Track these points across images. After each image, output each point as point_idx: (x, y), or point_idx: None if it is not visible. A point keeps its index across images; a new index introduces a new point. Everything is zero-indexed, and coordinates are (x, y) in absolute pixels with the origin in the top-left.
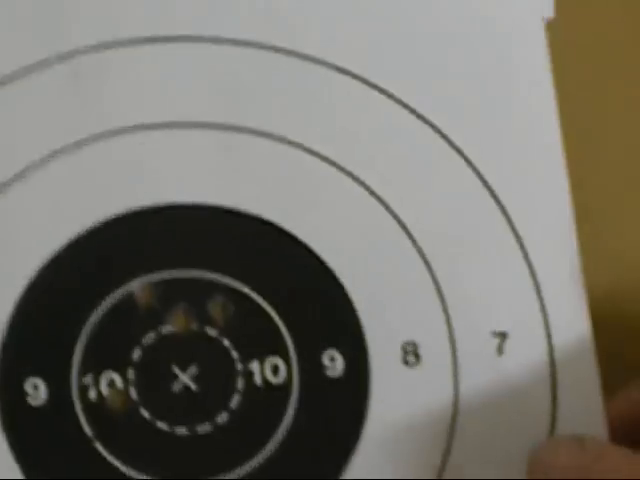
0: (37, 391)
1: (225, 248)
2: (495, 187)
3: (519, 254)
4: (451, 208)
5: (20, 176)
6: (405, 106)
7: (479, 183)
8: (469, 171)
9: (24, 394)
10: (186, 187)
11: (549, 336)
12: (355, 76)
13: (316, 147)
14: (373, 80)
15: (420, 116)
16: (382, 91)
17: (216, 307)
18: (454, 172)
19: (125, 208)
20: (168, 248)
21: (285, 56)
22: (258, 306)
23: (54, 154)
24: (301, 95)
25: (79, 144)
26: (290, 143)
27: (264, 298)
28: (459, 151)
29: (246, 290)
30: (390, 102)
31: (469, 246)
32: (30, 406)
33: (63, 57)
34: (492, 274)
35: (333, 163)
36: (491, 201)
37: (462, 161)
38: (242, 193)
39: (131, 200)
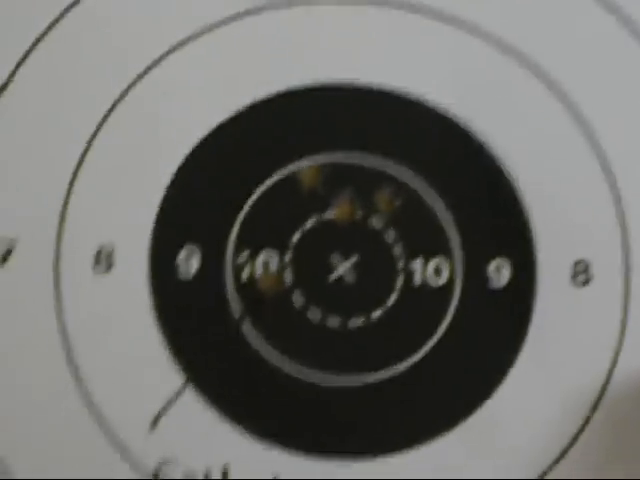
0: (190, 262)
1: (400, 136)
2: None
3: None
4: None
5: (193, 38)
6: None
7: None
8: None
9: (176, 264)
10: (370, 67)
11: None
12: None
13: (504, 40)
14: None
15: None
16: None
17: (384, 197)
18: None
19: (301, 83)
20: (340, 130)
21: None
22: (427, 202)
23: (225, 20)
24: None
25: (251, 12)
26: (478, 33)
27: (434, 194)
28: None
29: (417, 183)
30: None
31: None
32: (181, 276)
33: None
34: None
35: (520, 56)
36: None
37: None
38: (425, 81)
39: (309, 75)
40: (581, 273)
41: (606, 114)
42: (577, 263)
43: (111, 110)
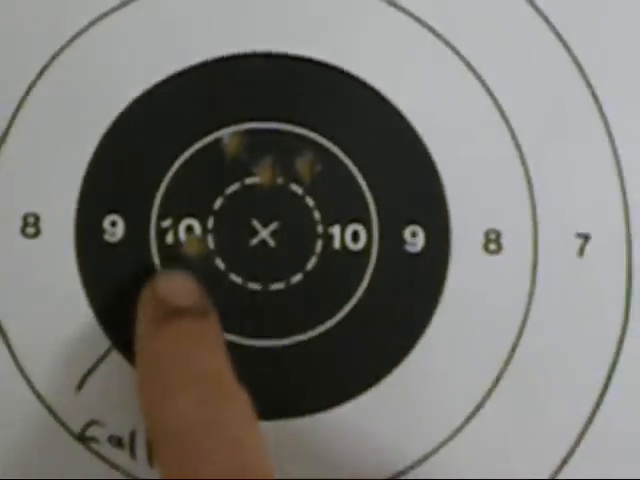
0: (115, 228)
1: (320, 104)
2: (594, 82)
3: (610, 156)
4: (548, 93)
5: (124, 4)
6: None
7: (579, 75)
8: (568, 58)
9: (102, 230)
10: (291, 36)
11: (630, 243)
12: None
13: (423, 17)
14: None
15: (531, 2)
16: None
17: (304, 164)
18: (551, 54)
19: (224, 52)
20: (261, 99)
21: None
22: (346, 169)
23: None
24: None
25: None
26: (399, 7)
27: (353, 161)
28: (559, 35)
29: (335, 150)
30: None
31: (562, 138)
32: (106, 242)
33: None
34: (582, 172)
35: (437, 34)
36: (589, 94)
37: (561, 46)
38: (346, 51)
39: (230, 44)
40: (492, 242)
41: (517, 93)
42: (489, 232)
43: (36, 80)
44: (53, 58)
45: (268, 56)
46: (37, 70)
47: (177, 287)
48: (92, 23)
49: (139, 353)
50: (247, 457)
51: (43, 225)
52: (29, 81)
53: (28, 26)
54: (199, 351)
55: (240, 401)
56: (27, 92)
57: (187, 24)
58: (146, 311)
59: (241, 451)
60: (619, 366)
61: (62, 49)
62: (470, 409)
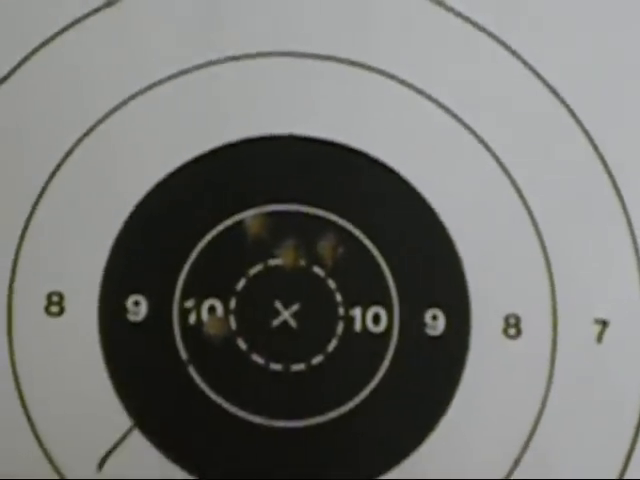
0: (138, 308)
1: (342, 187)
2: (614, 171)
3: (629, 243)
4: (568, 183)
5: (141, 92)
6: (534, 72)
7: (596, 159)
8: (585, 141)
9: (125, 310)
10: (314, 120)
11: None
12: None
13: (441, 98)
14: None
15: (547, 83)
16: (512, 52)
17: (326, 247)
18: (570, 139)
19: (243, 136)
20: (284, 181)
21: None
22: (368, 252)
23: (175, 75)
24: (434, 44)
25: (200, 67)
26: (416, 90)
27: (375, 245)
28: (583, 127)
29: (357, 233)
30: (519, 65)
31: (581, 224)
32: (129, 322)
33: None
34: (601, 258)
35: (454, 115)
36: (609, 183)
37: (584, 138)
38: (364, 133)
39: (250, 128)
40: (512, 327)
41: (539, 184)
42: (508, 317)
43: (63, 161)
44: (80, 140)
45: (290, 138)
46: (62, 153)
47: None
48: (116, 108)
49: None
50: None
51: (67, 304)
52: (53, 166)
53: (59, 105)
54: None
55: None
56: (51, 176)
57: (209, 108)
58: None
59: None
60: (636, 452)
61: (88, 132)
62: None
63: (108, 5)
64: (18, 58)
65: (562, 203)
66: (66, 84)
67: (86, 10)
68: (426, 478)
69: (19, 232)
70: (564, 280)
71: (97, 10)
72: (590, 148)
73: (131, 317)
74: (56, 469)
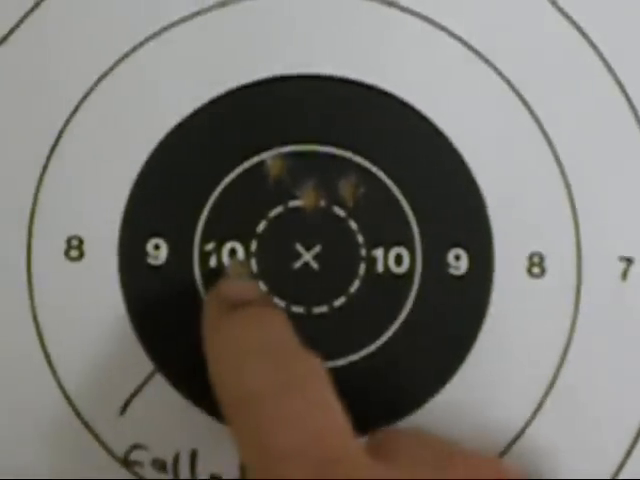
0: (158, 251)
1: (363, 127)
2: (636, 104)
3: None
4: (592, 119)
5: (158, 33)
6: (560, 10)
7: (620, 95)
8: (614, 84)
9: (145, 253)
10: (333, 59)
11: None
12: None
13: (465, 36)
14: None
15: (573, 22)
16: None
17: (347, 187)
18: (597, 81)
19: (269, 74)
20: (304, 121)
21: None
22: (390, 192)
23: (196, 13)
24: None
25: (217, 5)
26: (441, 28)
27: (397, 185)
28: (606, 63)
29: (379, 173)
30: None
31: (605, 162)
32: (150, 265)
33: None
34: (625, 196)
35: (477, 52)
36: (633, 120)
37: (607, 72)
38: (390, 74)
39: (276, 67)
40: (536, 265)
41: (561, 119)
42: (532, 255)
43: (80, 104)
44: (98, 81)
45: (310, 78)
46: (80, 95)
47: (240, 286)
48: (134, 49)
49: (209, 342)
50: (326, 420)
51: (87, 248)
52: (72, 106)
53: (77, 47)
54: (268, 327)
55: (314, 364)
56: (70, 117)
57: (228, 48)
58: (212, 307)
59: (321, 413)
60: None
61: (106, 73)
62: (518, 428)
63: None
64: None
65: (585, 140)
66: (82, 26)
67: None
68: (452, 416)
69: (37, 176)
70: (588, 218)
71: None
72: (614, 84)
73: (151, 261)
74: (77, 413)
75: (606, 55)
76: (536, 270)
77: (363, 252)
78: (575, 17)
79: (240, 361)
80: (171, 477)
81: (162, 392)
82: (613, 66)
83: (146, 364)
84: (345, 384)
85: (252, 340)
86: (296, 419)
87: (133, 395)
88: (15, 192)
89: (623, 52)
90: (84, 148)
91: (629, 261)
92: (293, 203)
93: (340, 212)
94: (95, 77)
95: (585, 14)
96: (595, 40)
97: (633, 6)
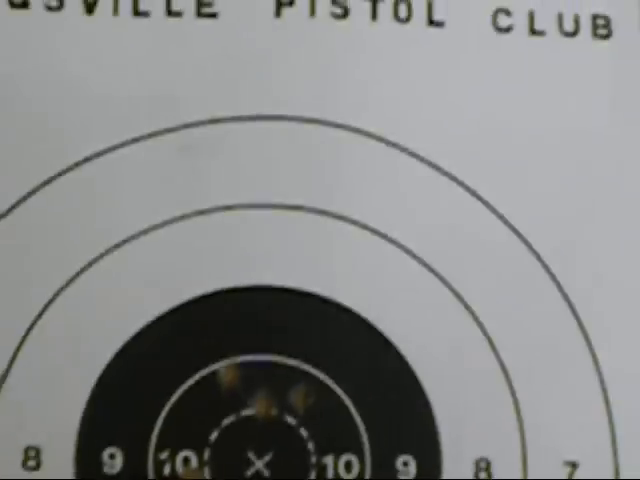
0: (114, 460)
1: (313, 336)
2: (580, 311)
3: (597, 383)
4: (535, 327)
5: (116, 247)
6: (498, 215)
7: (565, 306)
8: (553, 285)
9: (101, 462)
10: (283, 271)
11: (617, 472)
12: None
13: (412, 248)
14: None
15: (511, 227)
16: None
17: (298, 395)
18: (535, 283)
19: (217, 286)
20: (257, 331)
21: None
22: (339, 400)
23: (152, 227)
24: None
25: (174, 220)
26: (383, 237)
27: (346, 393)
28: (548, 270)
29: (329, 382)
30: (488, 212)
31: (549, 366)
32: (105, 474)
33: (172, 129)
34: (569, 400)
35: (424, 264)
36: (574, 324)
37: (550, 280)
38: (336, 282)
39: (224, 279)
40: (482, 470)
41: (507, 326)
42: (479, 461)
43: (34, 322)
44: (57, 294)
45: (260, 289)
46: (33, 317)
47: None
48: (83, 270)
49: None
50: None
51: (44, 458)
52: (35, 313)
53: (23, 269)
54: None
55: None
56: (31, 325)
57: (178, 261)
58: None
59: None
60: None
61: (58, 293)
62: None
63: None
64: None
65: (530, 350)
66: (30, 248)
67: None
68: None
69: None
70: (533, 424)
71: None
72: (560, 297)
73: (107, 470)
74: None
75: (553, 269)
76: (483, 475)
77: (313, 459)
78: (522, 230)
79: None
80: None
81: None
82: (559, 279)
83: None
84: None
85: None
86: None
87: None
88: None
89: (574, 271)
90: (40, 362)
91: (574, 465)
92: (245, 412)
93: (291, 420)
94: (46, 299)
95: (532, 227)
96: (542, 253)
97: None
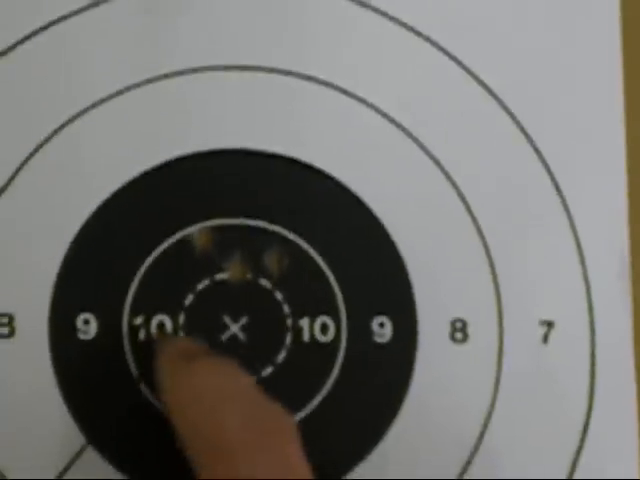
0: (88, 326)
1: (287, 199)
2: (554, 170)
3: (572, 243)
4: (510, 184)
5: (84, 111)
6: (468, 71)
7: (540, 165)
8: (530, 149)
9: (75, 328)
10: (255, 133)
11: (593, 331)
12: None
13: (383, 107)
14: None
15: (482, 83)
16: (451, 57)
17: (272, 258)
18: (513, 146)
19: (192, 150)
20: (229, 195)
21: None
22: (314, 263)
23: (120, 91)
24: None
25: (145, 82)
26: (357, 99)
27: (321, 255)
28: (521, 127)
29: (303, 244)
30: (459, 70)
31: (524, 227)
32: (80, 340)
33: None
34: (545, 260)
35: (399, 125)
36: (549, 183)
37: (523, 137)
38: (310, 145)
39: (198, 142)
40: (458, 331)
41: (479, 186)
42: (455, 321)
43: (9, 182)
44: (26, 160)
45: (234, 152)
46: (9, 175)
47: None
48: (58, 130)
49: (168, 390)
50: (294, 471)
51: (18, 325)
52: (3, 181)
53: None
54: (232, 376)
55: (285, 419)
56: (0, 192)
57: (150, 124)
58: (168, 357)
59: (291, 471)
60: (584, 451)
61: (32, 154)
62: None
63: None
64: None
65: (503, 205)
66: (8, 107)
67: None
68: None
69: None
70: (509, 283)
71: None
72: (532, 150)
73: (81, 336)
74: None
75: (524, 123)
76: (459, 336)
77: (289, 322)
78: (493, 87)
79: (212, 410)
80: None
81: (94, 466)
82: (530, 132)
83: (79, 438)
84: None
85: (220, 387)
86: (268, 473)
87: (66, 469)
88: None
89: (542, 121)
90: (12, 226)
91: (549, 325)
92: (220, 276)
93: (266, 284)
94: (21, 158)
95: (503, 84)
96: (512, 108)
97: (550, 76)
